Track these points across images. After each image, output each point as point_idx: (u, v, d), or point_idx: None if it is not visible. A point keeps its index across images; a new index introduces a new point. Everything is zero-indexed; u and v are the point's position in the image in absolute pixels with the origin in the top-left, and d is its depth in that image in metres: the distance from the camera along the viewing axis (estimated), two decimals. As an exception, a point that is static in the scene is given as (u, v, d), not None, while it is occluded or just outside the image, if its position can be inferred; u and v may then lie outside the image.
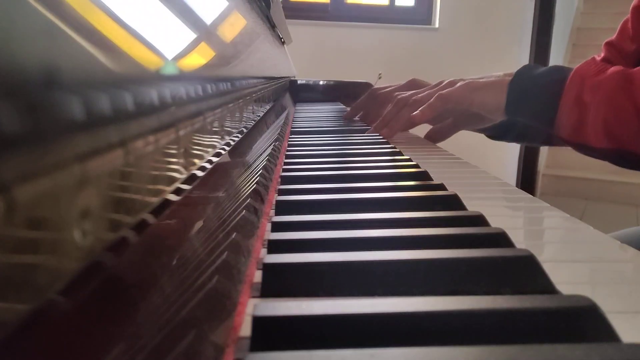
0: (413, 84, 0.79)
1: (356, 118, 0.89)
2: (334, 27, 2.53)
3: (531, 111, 0.58)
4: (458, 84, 0.63)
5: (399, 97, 0.68)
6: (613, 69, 0.53)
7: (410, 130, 0.75)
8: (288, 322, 0.16)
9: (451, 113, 0.69)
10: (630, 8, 0.80)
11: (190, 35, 0.28)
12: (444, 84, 0.66)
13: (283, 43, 1.40)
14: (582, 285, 0.21)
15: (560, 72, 0.56)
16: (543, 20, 2.12)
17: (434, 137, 0.74)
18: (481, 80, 0.63)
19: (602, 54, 0.85)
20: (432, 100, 0.62)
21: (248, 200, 0.27)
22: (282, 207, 0.30)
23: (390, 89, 0.82)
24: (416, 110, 0.63)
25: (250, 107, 0.49)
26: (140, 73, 0.17)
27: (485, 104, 0.61)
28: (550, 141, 0.71)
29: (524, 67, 0.60)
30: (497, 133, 0.73)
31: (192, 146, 0.23)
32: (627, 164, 0.56)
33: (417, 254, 0.21)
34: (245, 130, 0.43)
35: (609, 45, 0.84)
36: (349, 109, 1.11)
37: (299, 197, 0.32)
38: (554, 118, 0.55)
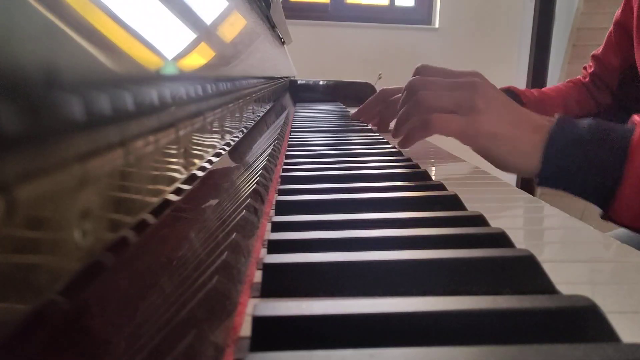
0: (423, 72, 0.70)
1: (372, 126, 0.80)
2: (334, 27, 2.52)
3: (576, 190, 0.44)
4: (480, 127, 0.46)
5: (418, 96, 0.51)
6: None
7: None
8: (288, 322, 0.16)
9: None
10: (613, 22, 0.80)
11: (190, 35, 0.28)
12: (462, 80, 0.49)
13: (283, 43, 1.40)
14: (582, 285, 0.21)
15: (616, 136, 0.41)
16: (543, 20, 2.12)
17: None
18: (509, 129, 0.46)
19: (592, 68, 0.85)
20: (416, 129, 0.50)
21: (248, 200, 0.27)
22: (282, 207, 0.30)
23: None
24: (427, 132, 0.50)
25: (250, 107, 0.49)
26: (140, 73, 0.17)
27: (514, 167, 0.46)
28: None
29: (560, 124, 0.44)
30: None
31: (192, 146, 0.23)
32: None
33: (417, 254, 0.21)
34: (245, 130, 0.43)
35: (595, 58, 0.85)
36: (349, 109, 1.11)
37: (299, 197, 0.32)
38: (609, 201, 0.42)
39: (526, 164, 0.45)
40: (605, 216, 0.44)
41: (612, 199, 0.41)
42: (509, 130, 0.46)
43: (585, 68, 0.88)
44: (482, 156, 0.48)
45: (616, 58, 0.80)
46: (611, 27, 0.81)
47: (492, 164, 0.49)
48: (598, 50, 0.84)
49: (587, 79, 0.87)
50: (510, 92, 0.82)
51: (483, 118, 0.46)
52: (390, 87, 0.81)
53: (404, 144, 0.53)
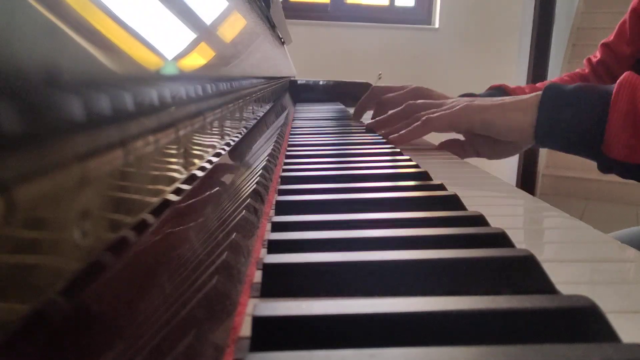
0: (418, 93, 0.75)
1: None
2: (334, 27, 2.52)
3: (570, 134, 0.50)
4: (460, 105, 0.56)
5: (409, 104, 0.64)
6: None
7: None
8: (288, 322, 0.16)
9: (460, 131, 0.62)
10: (629, 10, 0.81)
11: (190, 35, 0.28)
12: (461, 105, 0.58)
13: (283, 43, 1.40)
14: (582, 285, 0.21)
15: (597, 87, 0.50)
16: (543, 20, 2.12)
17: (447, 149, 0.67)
18: (487, 103, 0.55)
19: (598, 56, 0.86)
20: (418, 123, 0.58)
21: (248, 200, 0.27)
22: (282, 207, 0.30)
23: (394, 95, 0.77)
24: (425, 129, 0.59)
25: (250, 107, 0.49)
26: (140, 73, 0.17)
27: (507, 127, 0.53)
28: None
29: (551, 86, 0.52)
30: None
31: (192, 146, 0.23)
32: None
33: (417, 254, 0.21)
34: (245, 130, 0.43)
35: (605, 46, 0.85)
36: (349, 109, 1.11)
37: (299, 197, 0.32)
38: (600, 138, 0.48)
39: (524, 122, 0.51)
40: (602, 166, 0.51)
41: (602, 137, 0.47)
42: (497, 101, 0.54)
43: (588, 59, 0.88)
44: (484, 131, 0.55)
45: (628, 46, 0.81)
46: (625, 16, 0.82)
47: (495, 134, 0.55)
48: (608, 38, 0.85)
49: (587, 70, 0.87)
50: (502, 90, 0.83)
51: (472, 103, 0.56)
52: (381, 85, 0.84)
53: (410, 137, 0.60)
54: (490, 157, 0.66)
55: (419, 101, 0.64)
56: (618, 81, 0.48)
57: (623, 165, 0.49)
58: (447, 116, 0.57)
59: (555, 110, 0.50)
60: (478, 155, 0.66)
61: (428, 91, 0.75)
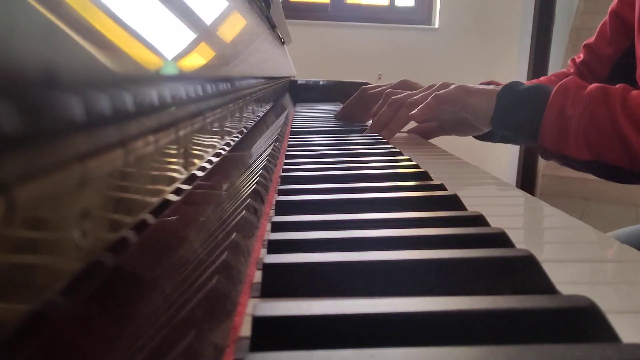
0: (404, 85, 0.79)
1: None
2: (334, 27, 2.52)
3: (517, 123, 0.60)
4: (452, 86, 0.63)
5: (393, 97, 0.68)
6: (594, 84, 0.56)
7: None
8: (288, 322, 0.16)
9: (443, 115, 0.70)
10: (609, 11, 0.82)
11: (190, 35, 0.28)
12: (437, 86, 0.66)
13: (283, 43, 1.40)
14: (582, 285, 0.21)
15: (545, 88, 0.58)
16: (543, 20, 2.12)
17: (419, 134, 0.76)
18: (475, 86, 0.63)
19: (582, 57, 0.87)
20: (429, 100, 0.63)
21: (248, 201, 0.27)
22: (282, 207, 0.30)
23: (380, 89, 0.82)
24: (413, 111, 0.65)
25: (250, 107, 0.49)
26: (140, 73, 0.17)
27: (475, 109, 0.61)
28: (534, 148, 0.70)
29: (511, 82, 0.61)
30: (484, 135, 0.74)
31: (192, 146, 0.23)
32: (608, 176, 0.57)
33: (417, 254, 0.21)
34: (245, 131, 0.43)
35: (587, 47, 0.87)
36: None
37: (298, 197, 0.32)
38: (538, 130, 0.57)
39: (487, 108, 0.60)
40: (542, 154, 0.60)
41: (539, 128, 0.56)
42: (475, 86, 0.63)
43: (573, 59, 0.90)
44: (465, 113, 0.63)
45: (610, 47, 0.83)
46: (606, 17, 0.83)
47: (471, 115, 0.63)
48: (590, 39, 0.87)
49: (572, 70, 0.89)
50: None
51: (457, 86, 0.63)
52: (369, 85, 0.87)
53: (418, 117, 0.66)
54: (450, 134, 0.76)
55: (404, 93, 0.69)
56: (556, 86, 0.56)
57: (556, 155, 0.58)
58: (452, 92, 0.62)
59: (507, 105, 0.60)
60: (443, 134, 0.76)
61: (414, 84, 0.80)
